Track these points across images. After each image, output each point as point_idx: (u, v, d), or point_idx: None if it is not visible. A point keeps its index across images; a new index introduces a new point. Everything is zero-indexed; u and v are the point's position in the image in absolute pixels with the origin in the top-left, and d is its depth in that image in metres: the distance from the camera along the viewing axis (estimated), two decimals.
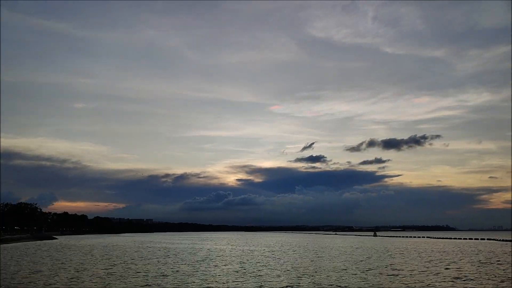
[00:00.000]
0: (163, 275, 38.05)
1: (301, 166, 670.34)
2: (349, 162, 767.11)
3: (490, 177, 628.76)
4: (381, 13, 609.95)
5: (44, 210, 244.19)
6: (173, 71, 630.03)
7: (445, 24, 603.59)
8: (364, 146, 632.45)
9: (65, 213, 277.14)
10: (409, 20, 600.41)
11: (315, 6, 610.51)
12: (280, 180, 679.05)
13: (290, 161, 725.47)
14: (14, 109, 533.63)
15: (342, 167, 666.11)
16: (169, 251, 76.64)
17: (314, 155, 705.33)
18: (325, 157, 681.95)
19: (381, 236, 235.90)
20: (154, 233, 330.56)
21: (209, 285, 32.11)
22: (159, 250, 79.77)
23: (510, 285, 32.91)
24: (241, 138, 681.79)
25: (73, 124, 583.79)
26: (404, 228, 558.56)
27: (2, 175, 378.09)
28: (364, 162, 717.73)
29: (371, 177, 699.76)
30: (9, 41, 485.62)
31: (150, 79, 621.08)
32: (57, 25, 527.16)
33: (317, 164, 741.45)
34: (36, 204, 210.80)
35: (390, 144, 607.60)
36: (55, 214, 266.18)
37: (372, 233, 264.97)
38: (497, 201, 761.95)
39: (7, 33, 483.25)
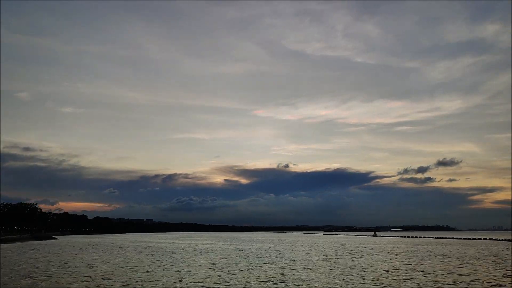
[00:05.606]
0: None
1: (291, 166, 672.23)
2: (340, 163, 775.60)
3: (479, 177, 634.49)
4: (349, 28, 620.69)
5: (44, 210, 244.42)
6: (160, 79, 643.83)
7: (413, 39, 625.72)
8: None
9: (65, 213, 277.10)
10: (378, 35, 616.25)
11: (285, 21, 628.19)
12: (272, 181, 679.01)
13: (280, 162, 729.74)
14: (12, 112, 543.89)
15: (332, 168, 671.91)
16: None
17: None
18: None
19: (381, 236, 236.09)
20: (155, 233, 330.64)
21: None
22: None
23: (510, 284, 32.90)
24: (227, 140, 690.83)
25: (67, 128, 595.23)
26: (404, 228, 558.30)
27: (2, 177, 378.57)
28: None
29: (363, 178, 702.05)
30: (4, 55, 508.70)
31: (139, 87, 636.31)
32: (45, 40, 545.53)
33: (310, 165, 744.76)
34: (36, 204, 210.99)
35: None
36: (55, 214, 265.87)
37: (372, 233, 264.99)
38: (491, 201, 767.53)
39: (2, 48, 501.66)
